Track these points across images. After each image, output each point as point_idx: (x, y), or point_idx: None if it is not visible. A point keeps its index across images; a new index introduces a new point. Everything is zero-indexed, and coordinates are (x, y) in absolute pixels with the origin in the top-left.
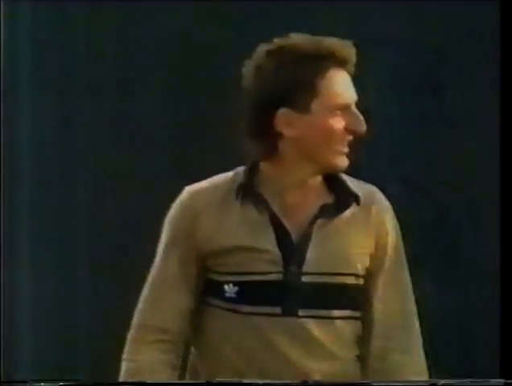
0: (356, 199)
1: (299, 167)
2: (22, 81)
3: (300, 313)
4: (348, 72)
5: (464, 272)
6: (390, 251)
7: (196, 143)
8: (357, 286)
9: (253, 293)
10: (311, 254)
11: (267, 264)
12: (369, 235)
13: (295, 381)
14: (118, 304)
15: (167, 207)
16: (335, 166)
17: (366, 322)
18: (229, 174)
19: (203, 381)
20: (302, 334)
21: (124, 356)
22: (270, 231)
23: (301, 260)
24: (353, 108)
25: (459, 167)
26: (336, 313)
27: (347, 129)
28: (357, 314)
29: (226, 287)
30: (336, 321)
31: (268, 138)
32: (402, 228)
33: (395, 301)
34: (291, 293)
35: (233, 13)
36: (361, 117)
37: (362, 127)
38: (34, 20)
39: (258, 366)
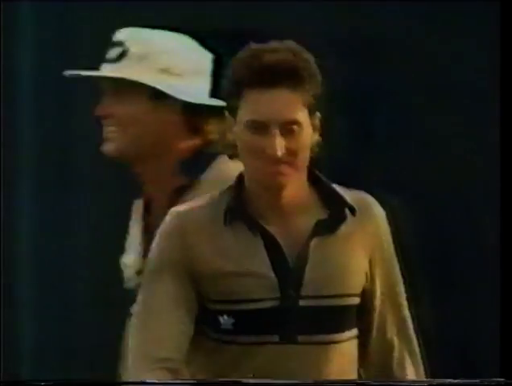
0: (351, 210)
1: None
2: (22, 82)
3: (299, 339)
4: (298, 91)
5: (463, 272)
6: (386, 263)
7: None
8: (355, 306)
9: (250, 322)
10: (308, 277)
11: (263, 290)
12: (365, 248)
13: (295, 381)
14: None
15: None
16: (264, 183)
17: (365, 339)
18: (215, 193)
19: (203, 381)
20: (302, 361)
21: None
22: (263, 254)
23: (298, 284)
24: (273, 129)
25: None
26: (337, 336)
27: (258, 148)
28: (356, 332)
29: (221, 319)
30: (337, 344)
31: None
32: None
33: (393, 314)
34: (289, 319)
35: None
36: (277, 141)
37: (271, 150)
38: (34, 20)
39: None
